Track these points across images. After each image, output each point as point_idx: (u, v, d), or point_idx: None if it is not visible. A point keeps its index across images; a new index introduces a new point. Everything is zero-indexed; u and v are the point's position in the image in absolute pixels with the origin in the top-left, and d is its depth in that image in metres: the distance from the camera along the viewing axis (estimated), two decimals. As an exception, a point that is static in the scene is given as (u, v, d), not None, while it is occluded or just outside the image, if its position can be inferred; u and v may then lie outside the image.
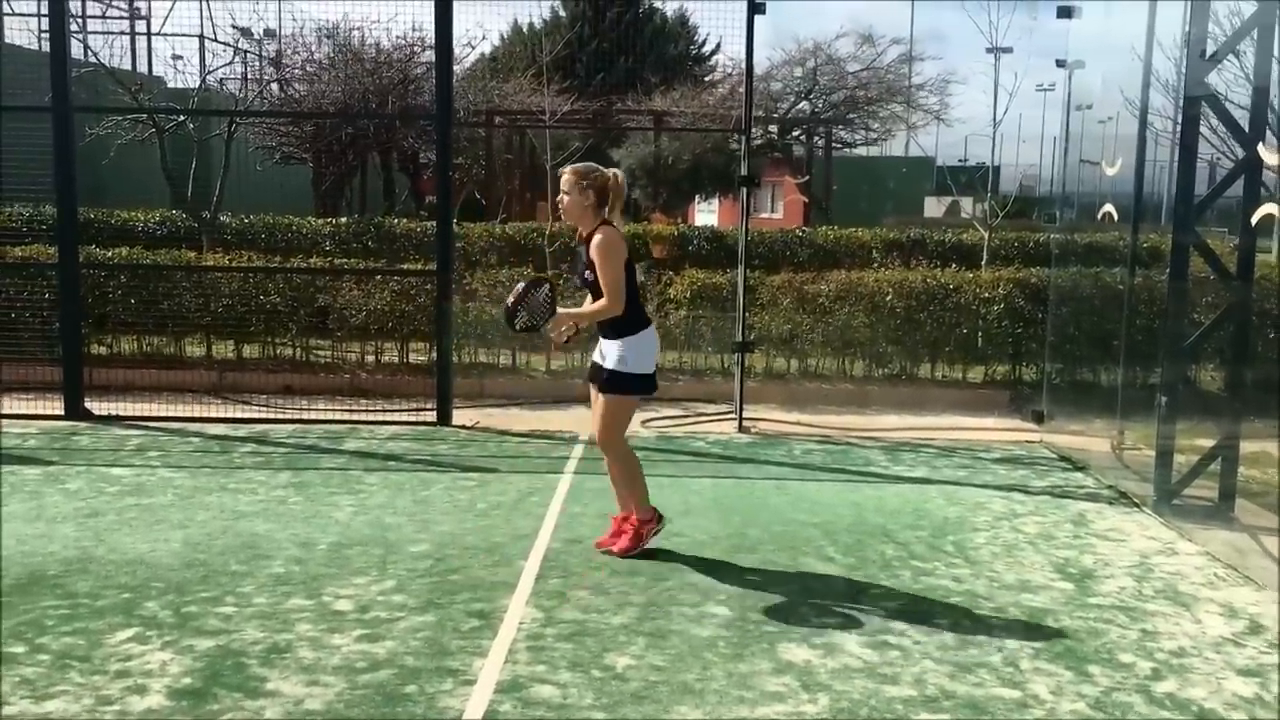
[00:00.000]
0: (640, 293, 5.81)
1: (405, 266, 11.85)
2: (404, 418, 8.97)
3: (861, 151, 34.07)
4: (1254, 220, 6.47)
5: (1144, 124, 7.88)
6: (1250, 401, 6.97)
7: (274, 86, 17.83)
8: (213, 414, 8.86)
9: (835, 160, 30.41)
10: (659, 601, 5.04)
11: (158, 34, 22.80)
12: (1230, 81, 10.11)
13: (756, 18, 8.78)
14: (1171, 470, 6.94)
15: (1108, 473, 7.71)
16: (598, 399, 5.61)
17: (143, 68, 23.17)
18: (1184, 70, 6.74)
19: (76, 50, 12.80)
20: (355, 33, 18.32)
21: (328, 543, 5.80)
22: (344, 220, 15.32)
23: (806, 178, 26.96)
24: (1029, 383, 10.25)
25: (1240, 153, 6.70)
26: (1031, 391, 9.93)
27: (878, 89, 27.63)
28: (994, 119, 15.54)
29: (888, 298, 10.28)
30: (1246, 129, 6.66)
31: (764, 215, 33.17)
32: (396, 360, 10.69)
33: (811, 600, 5.12)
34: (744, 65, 9.37)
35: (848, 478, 7.50)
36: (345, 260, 12.76)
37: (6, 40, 16.30)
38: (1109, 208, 8.23)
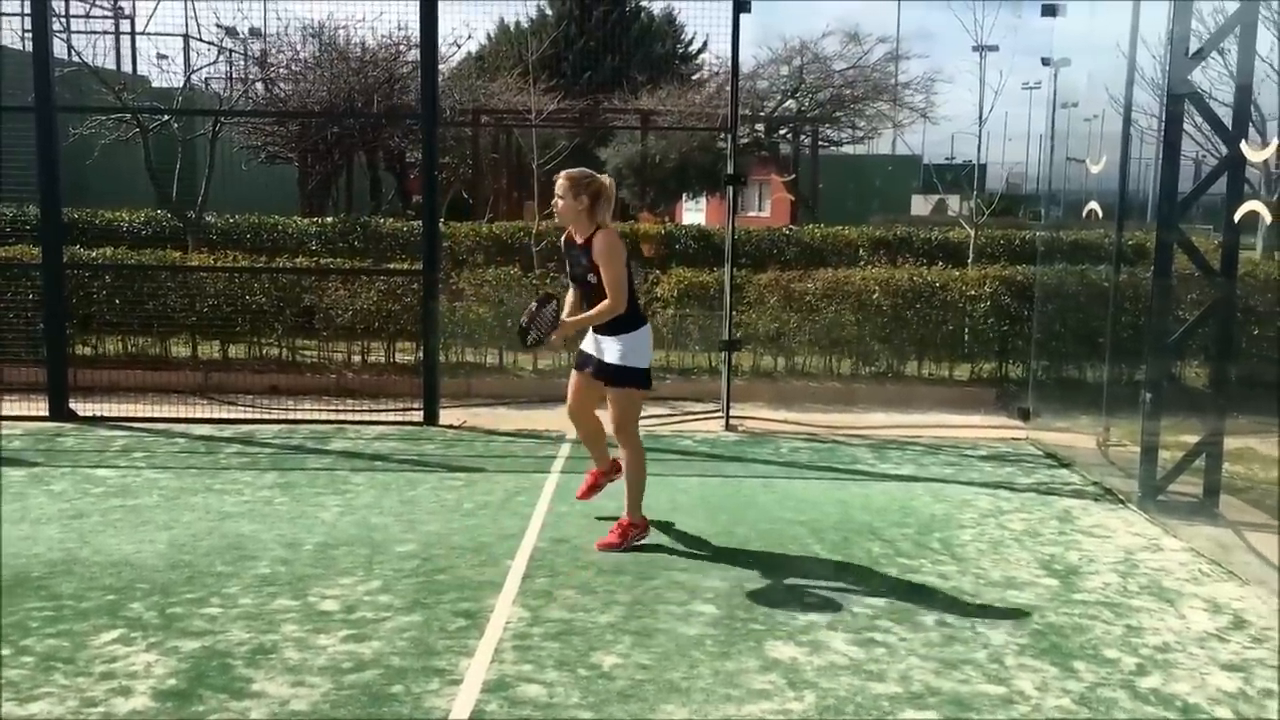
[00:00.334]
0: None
1: (392, 266, 11.83)
2: (390, 417, 8.95)
3: (848, 150, 34.12)
4: (1237, 217, 6.49)
5: (1128, 122, 7.91)
6: (1234, 398, 7.00)
7: (259, 86, 17.77)
8: (198, 414, 8.83)
9: (822, 159, 30.44)
10: (645, 600, 5.04)
11: (142, 33, 22.68)
12: (1214, 79, 10.15)
13: (742, 16, 8.78)
14: (1156, 466, 6.97)
15: (1093, 469, 7.73)
16: (591, 385, 5.83)
17: (127, 67, 23.06)
18: (1168, 68, 6.77)
19: (60, 50, 12.72)
20: (340, 32, 18.30)
21: (314, 543, 5.78)
22: (330, 220, 15.28)
23: (793, 176, 26.98)
24: (1015, 380, 10.28)
25: (1224, 150, 6.73)
26: (1017, 389, 9.96)
27: (864, 87, 27.65)
28: (980, 117, 15.51)
29: (874, 296, 10.29)
30: (1230, 126, 6.69)
31: (751, 214, 33.19)
32: (383, 360, 10.67)
33: (798, 598, 5.13)
34: (730, 64, 9.37)
35: (835, 476, 7.51)
36: (331, 260, 12.74)
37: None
38: (1094, 205, 8.25)
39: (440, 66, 12.23)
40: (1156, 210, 6.89)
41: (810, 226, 17.51)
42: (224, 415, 8.91)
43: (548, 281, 10.67)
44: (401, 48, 18.05)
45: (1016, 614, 5.00)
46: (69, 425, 8.53)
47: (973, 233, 14.71)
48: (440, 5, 8.55)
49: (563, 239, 5.97)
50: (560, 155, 16.58)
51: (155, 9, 20.22)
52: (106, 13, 22.82)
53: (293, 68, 18.41)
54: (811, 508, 6.64)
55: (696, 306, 10.49)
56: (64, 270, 8.95)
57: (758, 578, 5.40)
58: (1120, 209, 8.00)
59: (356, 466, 7.46)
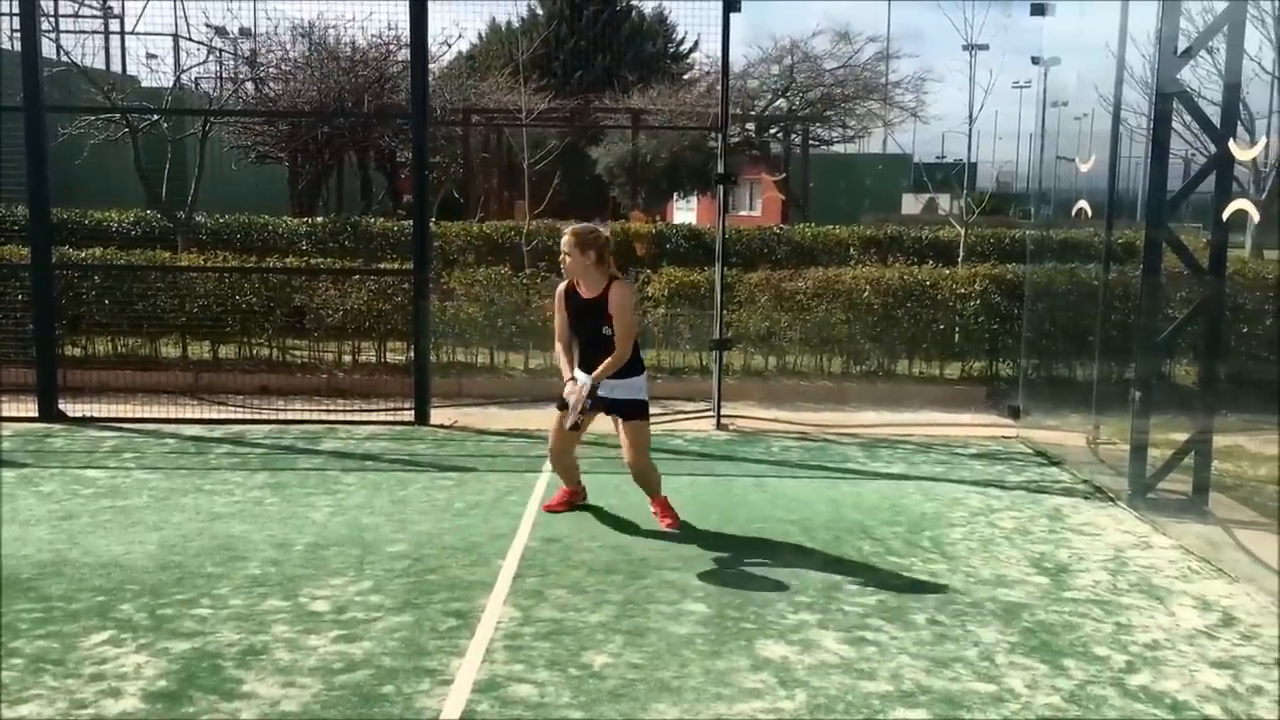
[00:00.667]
0: None
1: (382, 266, 11.82)
2: (381, 417, 8.94)
3: (839, 149, 34.23)
4: (1225, 216, 6.52)
5: (1118, 120, 7.93)
6: (1223, 396, 7.02)
7: (249, 85, 17.74)
8: (188, 415, 8.80)
9: (812, 158, 30.50)
10: (636, 599, 5.04)
11: (131, 33, 22.68)
12: (1203, 78, 10.18)
13: (733, 15, 8.79)
14: (1146, 464, 6.99)
15: (1083, 467, 7.75)
16: (616, 423, 6.14)
17: (116, 67, 23.00)
18: (1157, 67, 6.79)
19: (49, 49, 12.64)
20: (331, 31, 18.27)
21: (304, 543, 5.77)
22: (320, 220, 15.25)
23: (784, 175, 27.02)
24: (1005, 378, 10.30)
25: (1212, 149, 6.75)
26: (1008, 387, 9.97)
27: (854, 86, 27.70)
28: (970, 116, 15.56)
29: (865, 295, 10.31)
30: (1218, 125, 6.71)
31: (742, 213, 33.24)
32: (374, 360, 10.65)
33: (789, 597, 5.13)
34: (721, 63, 9.37)
35: (825, 474, 7.52)
36: (322, 260, 12.70)
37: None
38: (1083, 204, 8.27)
39: (431, 66, 12.22)
40: (1145, 208, 6.90)
41: (801, 226, 17.52)
42: (214, 416, 8.88)
43: (539, 281, 10.67)
44: (392, 47, 18.04)
45: (1007, 612, 5.01)
46: (58, 426, 8.51)
47: (963, 231, 14.73)
48: (430, 5, 8.56)
49: (561, 293, 6.12)
50: (551, 154, 16.59)
51: (144, 8, 20.32)
52: (95, 12, 22.79)
53: (283, 67, 18.38)
54: (802, 506, 6.65)
55: (687, 306, 10.49)
56: (53, 270, 8.91)
57: (749, 577, 5.40)
58: (1110, 207, 8.03)
59: (347, 466, 7.45)
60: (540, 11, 33.05)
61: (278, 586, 5.13)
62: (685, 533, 6.08)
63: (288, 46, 18.56)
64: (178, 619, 4.72)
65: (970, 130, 16.14)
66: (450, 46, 21.06)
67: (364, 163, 22.29)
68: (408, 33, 8.83)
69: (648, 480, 6.22)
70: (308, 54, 18.40)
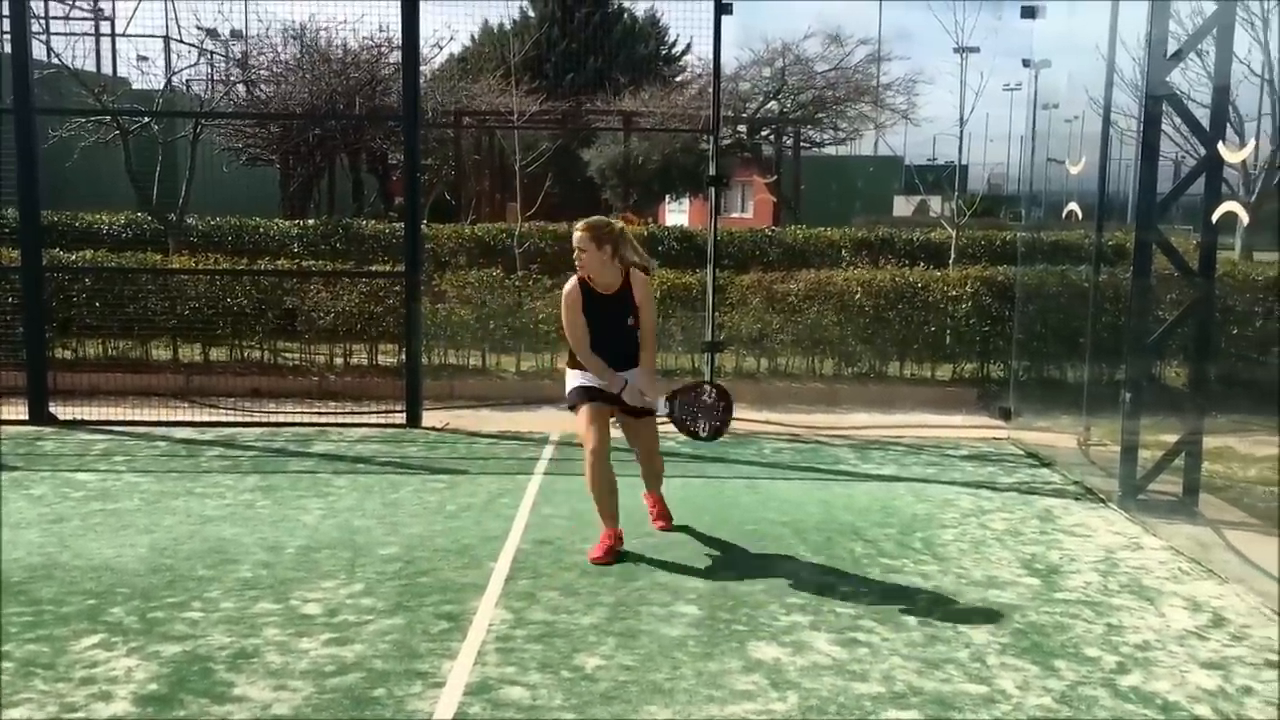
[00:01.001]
0: None
1: (374, 268, 11.79)
2: (373, 420, 8.93)
3: (830, 151, 34.21)
4: (1215, 218, 6.54)
5: (1108, 123, 7.95)
6: (1213, 397, 7.04)
7: (240, 88, 17.70)
8: (179, 418, 8.78)
9: (804, 160, 30.51)
10: (628, 601, 5.04)
11: (122, 35, 22.59)
12: (1193, 81, 10.23)
13: (724, 18, 8.80)
14: (1136, 466, 7.01)
15: (1074, 469, 7.77)
16: (629, 421, 5.97)
17: (107, 69, 22.93)
18: (1146, 70, 6.81)
19: (39, 51, 12.63)
20: (322, 33, 18.24)
21: (296, 546, 5.76)
22: (312, 222, 15.23)
23: (775, 177, 27.04)
24: (996, 380, 10.32)
25: (1202, 151, 6.78)
26: (999, 389, 9.99)
27: (846, 89, 27.75)
28: (961, 118, 15.60)
29: (856, 297, 10.32)
30: (1208, 127, 6.73)
31: (734, 215, 33.28)
32: (366, 362, 10.64)
33: (781, 598, 5.14)
34: (712, 65, 9.38)
35: (817, 476, 7.52)
36: (313, 262, 12.69)
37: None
38: (1074, 206, 8.30)
39: (422, 68, 12.22)
40: (1136, 211, 6.92)
41: (793, 228, 17.57)
42: (205, 418, 8.86)
43: (530, 284, 10.67)
44: (383, 49, 18.00)
45: (998, 613, 5.02)
46: (49, 429, 8.48)
47: (954, 233, 14.77)
48: (422, 7, 8.58)
49: (573, 296, 5.69)
50: (543, 157, 16.59)
51: (135, 10, 20.22)
52: (86, 14, 22.73)
53: (274, 69, 18.34)
54: (794, 508, 6.66)
55: (679, 308, 10.50)
56: (43, 273, 8.90)
57: (740, 578, 5.40)
58: (1100, 209, 8.04)
59: (339, 469, 7.44)
60: (532, 13, 33.02)
61: (269, 589, 5.12)
62: (677, 534, 6.08)
63: (279, 48, 18.54)
64: (169, 622, 4.71)
65: (961, 132, 16.20)
66: (442, 48, 20.99)
67: (356, 165, 22.25)
68: (399, 35, 8.83)
69: (660, 475, 6.23)
70: (299, 56, 18.36)
